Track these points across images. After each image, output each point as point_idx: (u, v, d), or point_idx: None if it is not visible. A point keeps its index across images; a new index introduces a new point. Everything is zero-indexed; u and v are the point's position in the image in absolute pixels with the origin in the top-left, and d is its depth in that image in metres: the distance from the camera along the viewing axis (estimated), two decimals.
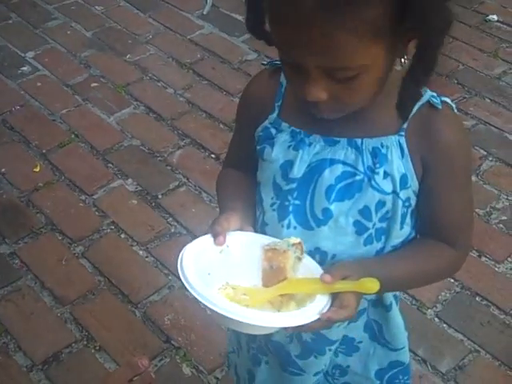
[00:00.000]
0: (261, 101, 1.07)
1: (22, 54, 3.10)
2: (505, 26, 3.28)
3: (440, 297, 2.07)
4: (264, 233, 1.08)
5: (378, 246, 1.05)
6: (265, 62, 1.10)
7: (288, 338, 1.18)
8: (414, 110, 0.97)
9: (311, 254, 1.04)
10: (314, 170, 1.02)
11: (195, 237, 1.04)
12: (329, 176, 1.01)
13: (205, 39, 3.21)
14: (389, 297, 1.14)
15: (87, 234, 2.27)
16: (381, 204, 1.01)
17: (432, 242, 1.06)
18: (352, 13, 0.79)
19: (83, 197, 2.41)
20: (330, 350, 1.18)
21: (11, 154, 2.59)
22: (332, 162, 1.01)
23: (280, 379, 1.25)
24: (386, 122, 0.99)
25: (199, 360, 1.91)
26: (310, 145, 1.02)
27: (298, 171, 1.02)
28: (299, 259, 0.99)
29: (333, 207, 1.02)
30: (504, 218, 2.32)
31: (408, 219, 1.04)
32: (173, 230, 2.27)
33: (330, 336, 1.15)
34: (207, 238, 1.02)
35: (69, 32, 3.25)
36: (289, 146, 1.03)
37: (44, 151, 2.59)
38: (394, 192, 1.00)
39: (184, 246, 1.01)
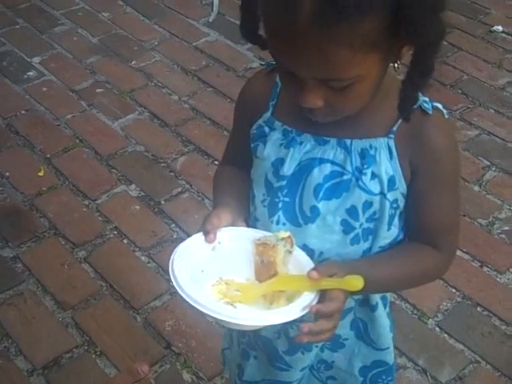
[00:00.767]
0: (256, 99, 1.10)
1: (29, 59, 3.12)
2: (510, 37, 3.29)
3: (441, 306, 2.07)
4: (256, 228, 1.10)
5: (364, 245, 1.06)
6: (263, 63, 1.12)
7: (276, 333, 1.20)
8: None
9: None
10: (304, 169, 1.04)
11: None
12: (317, 175, 1.03)
13: (210, 46, 3.22)
14: (375, 297, 1.16)
15: (90, 238, 2.28)
16: (368, 204, 1.02)
17: (419, 245, 1.08)
18: (347, 28, 0.80)
19: (86, 202, 2.42)
20: (316, 346, 1.20)
21: (15, 158, 2.60)
22: (321, 161, 1.03)
23: (268, 374, 1.28)
24: (376, 124, 1.01)
25: (199, 367, 1.91)
26: (300, 143, 1.04)
27: (288, 169, 1.05)
28: (289, 252, 1.01)
29: (320, 205, 1.04)
30: (506, 228, 2.32)
31: (396, 221, 1.05)
32: (175, 236, 2.28)
33: None
34: (199, 236, 1.04)
35: (75, 38, 3.27)
36: (280, 144, 1.06)
37: (48, 156, 2.60)
38: (382, 193, 1.01)
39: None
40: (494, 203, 2.41)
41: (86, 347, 1.96)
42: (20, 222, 2.34)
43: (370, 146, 1.00)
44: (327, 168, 1.02)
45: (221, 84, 2.97)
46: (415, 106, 0.98)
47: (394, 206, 1.04)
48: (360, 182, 1.01)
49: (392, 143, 1.00)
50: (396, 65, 0.94)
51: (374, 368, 1.25)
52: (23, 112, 2.82)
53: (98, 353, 1.95)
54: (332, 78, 0.87)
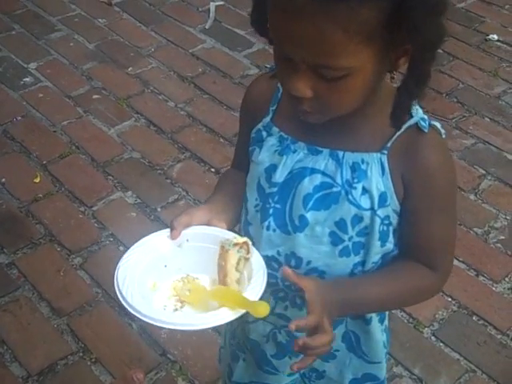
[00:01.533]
0: (258, 103, 1.10)
1: (25, 65, 3.11)
2: (505, 46, 3.31)
3: (437, 315, 2.07)
4: (247, 231, 1.11)
5: (355, 259, 1.05)
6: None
7: (264, 337, 1.21)
8: (402, 130, 0.99)
9: (287, 257, 1.07)
10: (295, 177, 1.04)
11: None
12: (308, 184, 1.03)
13: (207, 53, 3.23)
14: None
15: (86, 245, 2.27)
16: (357, 219, 1.02)
17: (412, 264, 1.06)
18: (345, 10, 0.80)
19: (82, 208, 2.41)
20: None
21: (12, 164, 2.60)
22: (312, 171, 1.03)
23: (256, 376, 1.28)
24: (370, 139, 1.00)
25: (195, 374, 1.91)
26: (294, 151, 1.04)
27: (279, 176, 1.05)
28: (246, 259, 1.01)
29: (309, 215, 1.03)
30: (502, 237, 2.33)
31: (391, 237, 1.05)
32: None
33: None
34: (166, 232, 1.05)
35: (71, 44, 3.27)
36: (275, 151, 1.06)
37: (44, 162, 2.60)
38: (372, 209, 1.01)
39: None
40: (489, 212, 2.42)
41: (81, 354, 1.95)
42: (16, 228, 2.33)
43: (362, 161, 0.99)
44: (318, 178, 1.02)
45: (217, 91, 2.98)
46: (412, 123, 0.98)
47: (386, 222, 1.03)
48: (350, 196, 1.00)
49: (385, 159, 0.99)
50: (393, 75, 0.93)
51: (364, 381, 1.24)
52: (19, 118, 2.81)
53: (94, 360, 1.94)
54: (323, 64, 0.86)
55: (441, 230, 1.05)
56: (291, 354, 1.21)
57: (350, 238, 1.03)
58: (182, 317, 0.97)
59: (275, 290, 1.11)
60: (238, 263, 1.00)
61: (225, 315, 0.94)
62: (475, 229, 2.35)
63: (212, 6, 3.52)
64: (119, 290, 0.97)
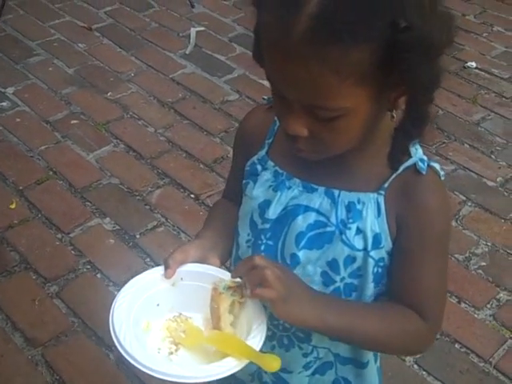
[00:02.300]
0: (253, 135, 1.08)
1: (2, 90, 3.08)
2: (483, 73, 3.34)
3: None
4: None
5: None
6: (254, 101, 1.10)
7: (250, 376, 1.17)
8: (400, 171, 0.96)
9: None
10: (289, 214, 1.01)
11: None
12: (301, 222, 1.00)
13: (187, 79, 3.22)
14: (366, 355, 1.11)
15: (62, 273, 2.23)
16: (350, 259, 0.98)
17: (402, 307, 0.99)
18: (336, 51, 0.79)
19: (59, 235, 2.37)
20: None
21: None
22: (306, 209, 1.00)
23: None
24: (367, 178, 0.97)
25: None
26: (289, 188, 1.01)
27: (273, 213, 1.02)
28: (240, 303, 0.98)
29: (301, 254, 1.00)
30: (483, 263, 2.32)
31: (385, 279, 1.01)
32: None
33: (291, 381, 1.12)
34: (160, 270, 1.02)
35: (50, 68, 3.25)
36: (270, 186, 1.03)
37: (21, 188, 2.56)
38: (365, 250, 0.97)
39: None
40: (470, 238, 2.42)
41: None
42: None
43: (358, 200, 0.97)
44: (312, 217, 0.99)
45: (197, 116, 2.96)
46: (410, 164, 0.96)
47: (381, 264, 0.99)
48: (343, 236, 0.97)
49: (381, 200, 0.96)
50: (393, 114, 0.91)
51: None
52: None
53: None
54: (317, 105, 0.85)
55: (433, 276, 0.99)
56: None
57: (342, 279, 1.00)
58: (186, 368, 0.93)
59: None
60: (231, 305, 0.97)
61: (231, 365, 0.90)
62: (456, 255, 2.34)
63: (193, 31, 3.52)
64: (117, 338, 0.92)
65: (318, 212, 0.99)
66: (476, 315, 2.15)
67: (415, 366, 1.99)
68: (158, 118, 2.95)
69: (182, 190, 2.57)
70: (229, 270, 1.07)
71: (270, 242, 1.03)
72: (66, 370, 1.94)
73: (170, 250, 2.29)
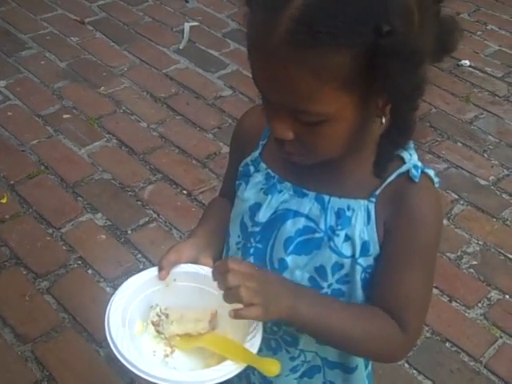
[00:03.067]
0: (248, 136, 1.08)
1: None
2: (477, 72, 3.34)
3: None
4: None
5: None
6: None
7: (237, 377, 1.14)
8: (392, 178, 0.95)
9: None
10: (278, 218, 1.01)
11: None
12: (290, 227, 0.99)
13: (180, 74, 3.20)
14: (355, 360, 1.09)
15: (53, 268, 2.21)
16: (338, 266, 0.97)
17: (382, 312, 0.97)
18: (316, 55, 0.79)
19: (50, 230, 2.35)
20: None
21: None
22: (296, 214, 0.99)
23: None
24: (359, 184, 0.96)
25: None
26: (280, 191, 1.01)
27: (263, 216, 1.02)
28: (211, 319, 0.99)
29: (289, 259, 1.00)
30: (475, 262, 2.33)
31: None
32: (141, 267, 2.23)
33: None
34: (154, 271, 1.02)
35: (42, 62, 3.22)
36: (261, 189, 1.03)
37: (12, 182, 2.54)
38: (353, 257, 0.96)
39: None
40: (462, 237, 2.42)
41: (45, 383, 1.89)
42: None
43: (348, 207, 0.95)
44: (301, 222, 0.98)
45: (190, 112, 2.95)
46: (403, 170, 0.95)
47: (369, 271, 0.97)
48: (332, 243, 0.96)
49: (372, 207, 0.95)
50: (382, 121, 0.89)
51: None
52: None
53: None
54: (299, 109, 0.84)
55: (415, 286, 0.97)
56: None
57: (330, 286, 0.99)
58: (183, 372, 0.93)
59: None
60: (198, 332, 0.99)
61: (230, 369, 0.90)
62: (448, 254, 2.35)
63: (186, 26, 3.51)
64: (114, 344, 0.92)
65: (308, 217, 0.98)
66: (467, 314, 2.15)
67: (406, 365, 1.99)
68: (150, 114, 2.93)
69: (174, 186, 2.56)
70: None
71: (260, 246, 1.03)
72: (56, 367, 1.93)
73: (162, 246, 2.32)
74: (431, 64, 0.87)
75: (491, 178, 2.70)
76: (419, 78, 0.82)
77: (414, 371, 1.98)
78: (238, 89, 3.08)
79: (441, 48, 0.88)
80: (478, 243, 2.40)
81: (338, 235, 0.96)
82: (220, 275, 0.90)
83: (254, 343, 0.93)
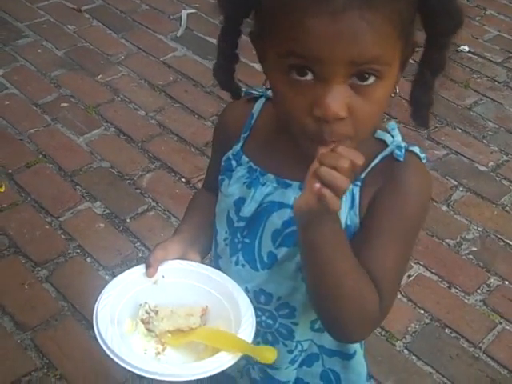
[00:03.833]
0: (230, 129, 1.06)
1: None
2: (476, 57, 3.33)
3: (409, 328, 2.05)
4: (217, 265, 1.07)
5: None
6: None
7: (238, 372, 1.15)
8: (376, 161, 0.94)
9: (256, 294, 1.02)
10: (263, 212, 0.99)
11: None
12: (276, 220, 0.98)
13: (178, 62, 3.19)
14: (352, 346, 1.09)
15: (52, 257, 2.21)
16: None
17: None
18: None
19: (49, 219, 2.35)
20: None
21: None
22: (281, 205, 0.97)
23: None
24: None
25: None
26: (263, 184, 0.99)
27: (247, 211, 1.00)
28: (202, 314, 1.00)
29: (278, 252, 0.99)
30: (474, 248, 2.32)
31: None
32: (140, 255, 2.22)
33: (279, 377, 1.11)
34: (142, 268, 1.02)
35: (39, 50, 3.21)
36: (244, 183, 1.01)
37: (10, 171, 2.53)
38: None
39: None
40: (461, 223, 2.41)
41: (45, 370, 1.89)
42: None
43: None
44: (286, 213, 0.96)
45: (188, 100, 2.94)
46: (387, 153, 0.94)
47: None
48: None
49: (357, 191, 0.93)
50: (396, 90, 0.89)
51: None
52: None
53: (58, 376, 1.88)
54: (367, 58, 0.79)
55: (394, 258, 0.93)
56: None
57: None
58: (178, 366, 0.92)
59: None
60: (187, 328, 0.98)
61: (224, 360, 0.90)
62: (447, 240, 2.34)
63: (184, 13, 3.49)
64: (104, 341, 0.91)
65: (293, 208, 0.93)
66: (466, 300, 2.15)
67: (405, 351, 1.99)
68: (148, 102, 2.92)
69: (172, 174, 2.56)
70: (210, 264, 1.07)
71: (247, 240, 1.02)
72: (56, 354, 1.93)
73: (161, 234, 2.31)
74: None
75: (490, 164, 2.69)
76: (460, 13, 0.85)
77: (414, 357, 1.98)
78: (235, 76, 3.06)
79: None
80: (477, 229, 2.40)
81: None
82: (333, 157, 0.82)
83: (247, 333, 0.93)
